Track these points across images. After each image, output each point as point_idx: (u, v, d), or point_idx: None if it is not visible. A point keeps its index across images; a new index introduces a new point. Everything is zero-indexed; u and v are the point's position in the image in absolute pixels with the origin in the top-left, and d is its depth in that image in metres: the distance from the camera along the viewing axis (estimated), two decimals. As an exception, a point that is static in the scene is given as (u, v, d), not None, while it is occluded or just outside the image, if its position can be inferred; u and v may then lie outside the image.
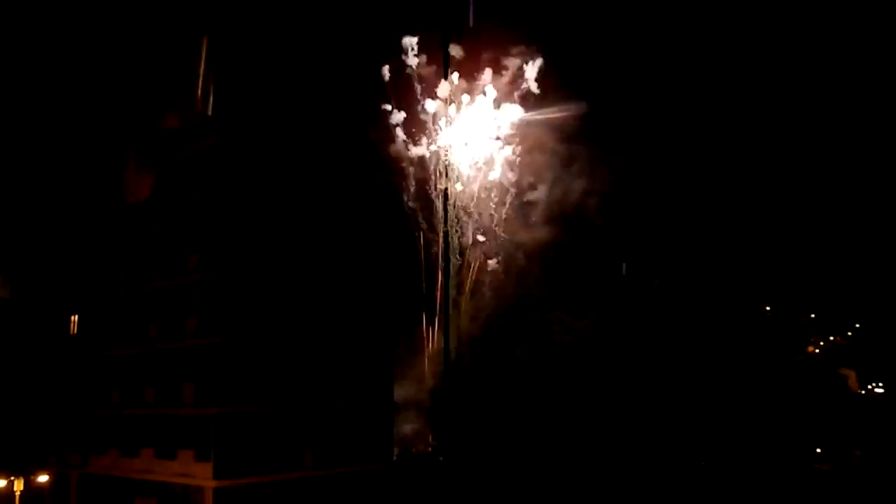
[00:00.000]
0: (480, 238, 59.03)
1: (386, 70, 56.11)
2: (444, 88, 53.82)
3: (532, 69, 59.90)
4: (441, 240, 57.58)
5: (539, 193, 61.19)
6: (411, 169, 59.59)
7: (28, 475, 39.01)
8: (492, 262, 59.29)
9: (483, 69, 58.28)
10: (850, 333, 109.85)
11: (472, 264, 59.99)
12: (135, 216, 42.27)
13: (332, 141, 41.42)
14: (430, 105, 56.22)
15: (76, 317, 46.08)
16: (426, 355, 59.67)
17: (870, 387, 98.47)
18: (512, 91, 60.81)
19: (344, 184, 41.64)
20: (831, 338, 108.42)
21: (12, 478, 37.53)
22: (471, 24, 54.45)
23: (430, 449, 54.19)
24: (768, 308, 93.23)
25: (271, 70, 40.11)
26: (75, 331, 45.92)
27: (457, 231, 59.84)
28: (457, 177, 60.37)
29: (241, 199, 36.49)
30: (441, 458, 51.59)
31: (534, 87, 60.21)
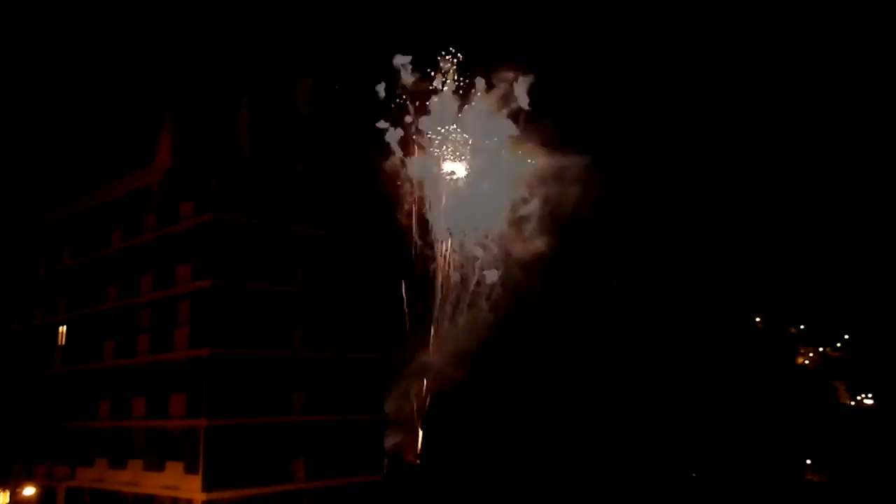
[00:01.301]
0: (477, 253, 59.21)
1: (381, 89, 56.59)
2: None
3: (522, 86, 60.32)
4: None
5: (532, 207, 61.51)
6: (407, 185, 59.99)
7: (14, 488, 38.63)
8: (487, 276, 59.40)
9: (473, 86, 58.71)
10: (839, 345, 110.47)
11: (467, 278, 60.10)
12: (124, 224, 42.09)
13: (326, 152, 41.33)
14: (425, 122, 56.66)
15: (64, 328, 45.76)
16: (413, 369, 59.63)
17: (859, 398, 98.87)
18: (504, 107, 61.27)
19: (339, 196, 41.56)
20: (821, 349, 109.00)
21: (-2, 490, 37.20)
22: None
23: (417, 461, 53.98)
24: (758, 319, 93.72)
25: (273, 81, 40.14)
26: (63, 341, 45.58)
27: (452, 244, 59.99)
28: (451, 192, 60.59)
29: (236, 208, 36.35)
30: (419, 464, 51.39)
31: (524, 104, 60.79)
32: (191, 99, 39.95)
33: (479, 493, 49.70)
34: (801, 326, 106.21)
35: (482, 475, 51.35)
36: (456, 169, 59.92)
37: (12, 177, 52.41)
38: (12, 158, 52.49)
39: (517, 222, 61.41)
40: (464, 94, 60.29)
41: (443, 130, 58.21)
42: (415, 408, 58.42)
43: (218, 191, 36.13)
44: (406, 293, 61.50)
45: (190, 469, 33.76)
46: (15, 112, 51.67)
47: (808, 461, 66.78)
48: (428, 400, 59.46)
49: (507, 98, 61.43)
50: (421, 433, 55.87)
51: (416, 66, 59.03)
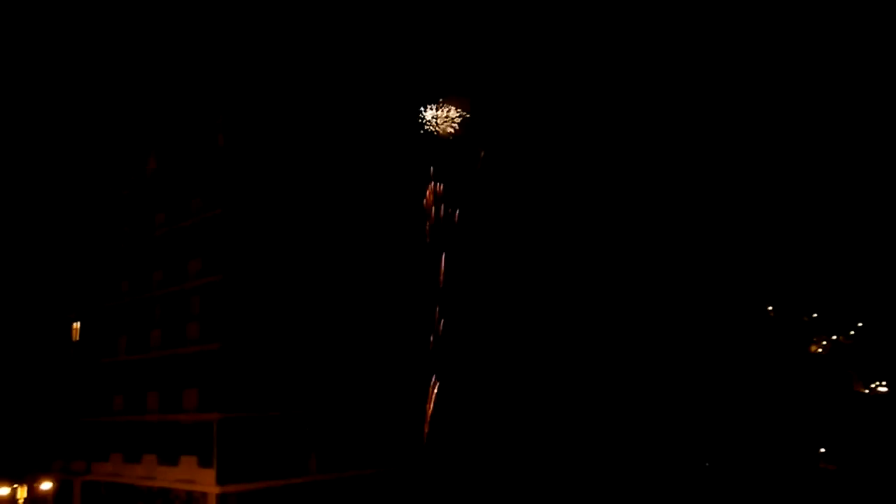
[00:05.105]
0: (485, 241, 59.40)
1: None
2: None
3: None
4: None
5: (541, 198, 61.56)
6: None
7: (31, 482, 39.02)
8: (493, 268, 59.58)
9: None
10: (852, 333, 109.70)
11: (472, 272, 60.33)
12: (136, 220, 42.33)
13: (341, 147, 41.34)
14: None
15: (78, 324, 46.13)
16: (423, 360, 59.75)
17: (873, 386, 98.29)
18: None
19: (350, 188, 41.56)
20: (834, 337, 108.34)
21: (16, 485, 37.57)
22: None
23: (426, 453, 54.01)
24: (771, 308, 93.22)
25: (279, 74, 40.13)
26: (77, 337, 45.96)
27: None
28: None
29: (245, 204, 36.44)
30: (428, 459, 51.47)
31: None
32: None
33: (490, 480, 49.77)
34: (815, 315, 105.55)
35: (493, 463, 51.41)
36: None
37: (25, 172, 52.68)
38: (23, 153, 52.73)
39: (526, 213, 61.52)
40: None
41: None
42: (428, 400, 58.56)
43: (226, 185, 36.25)
44: (420, 287, 61.67)
45: (204, 463, 34.00)
46: (22, 113, 51.85)
47: (822, 450, 66.47)
48: (435, 392, 59.59)
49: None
50: (427, 425, 55.97)
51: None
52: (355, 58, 44.48)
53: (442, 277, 58.90)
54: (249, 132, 37.92)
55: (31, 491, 38.40)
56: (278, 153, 38.60)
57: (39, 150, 51.09)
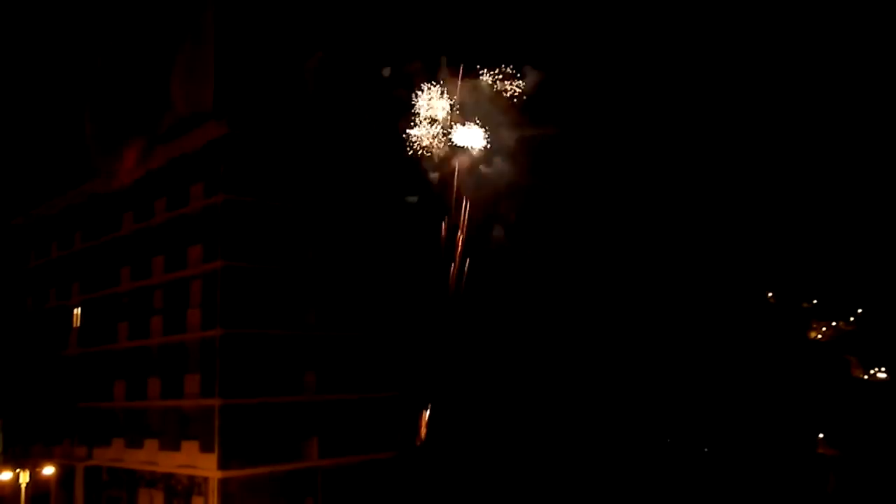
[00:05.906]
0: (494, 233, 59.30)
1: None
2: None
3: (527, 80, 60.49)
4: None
5: (544, 191, 61.43)
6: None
7: (34, 467, 39.17)
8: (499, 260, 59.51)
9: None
10: (852, 319, 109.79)
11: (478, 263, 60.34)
12: (136, 206, 42.27)
13: (341, 132, 41.08)
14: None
15: (79, 310, 46.18)
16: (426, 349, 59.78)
17: (872, 372, 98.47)
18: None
19: (354, 174, 41.30)
20: (834, 323, 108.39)
21: (18, 470, 37.69)
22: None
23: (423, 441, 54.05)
24: (770, 294, 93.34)
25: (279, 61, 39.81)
26: (78, 323, 46.02)
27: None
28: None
29: (246, 189, 36.31)
30: (423, 448, 51.66)
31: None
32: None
33: (490, 471, 49.96)
34: (814, 301, 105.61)
35: (493, 452, 51.58)
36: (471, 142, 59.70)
37: (24, 162, 52.64)
38: (24, 144, 52.68)
39: (528, 206, 61.39)
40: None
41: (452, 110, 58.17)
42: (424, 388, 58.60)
43: (227, 172, 36.12)
44: (426, 273, 61.50)
45: (205, 448, 34.13)
46: (24, 97, 51.79)
47: (821, 435, 66.77)
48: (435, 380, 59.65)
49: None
50: (427, 412, 56.01)
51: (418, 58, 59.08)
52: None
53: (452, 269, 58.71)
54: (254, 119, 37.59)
55: (34, 476, 38.50)
56: (280, 136, 38.38)
57: (42, 138, 51.09)
